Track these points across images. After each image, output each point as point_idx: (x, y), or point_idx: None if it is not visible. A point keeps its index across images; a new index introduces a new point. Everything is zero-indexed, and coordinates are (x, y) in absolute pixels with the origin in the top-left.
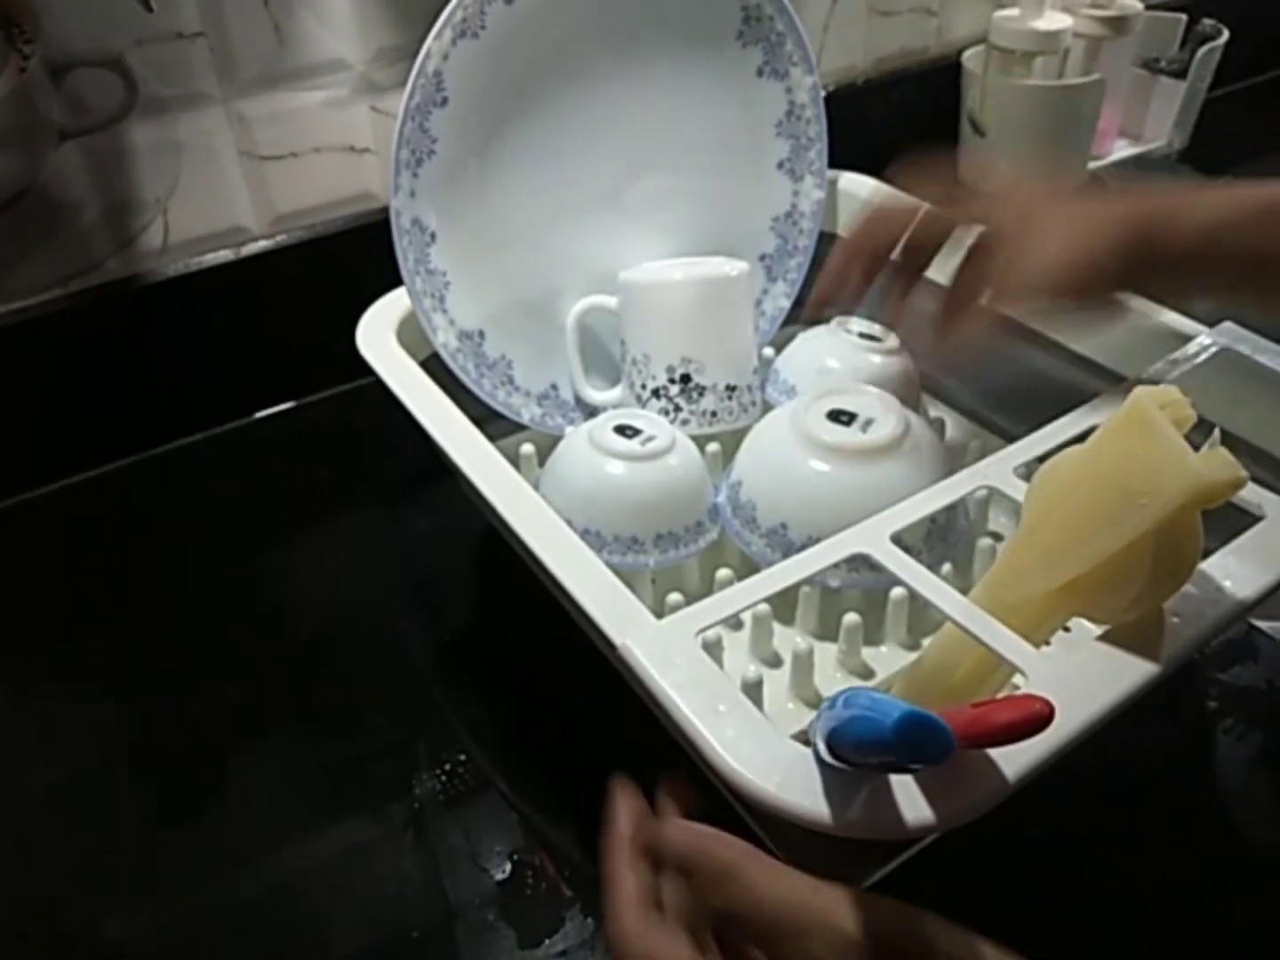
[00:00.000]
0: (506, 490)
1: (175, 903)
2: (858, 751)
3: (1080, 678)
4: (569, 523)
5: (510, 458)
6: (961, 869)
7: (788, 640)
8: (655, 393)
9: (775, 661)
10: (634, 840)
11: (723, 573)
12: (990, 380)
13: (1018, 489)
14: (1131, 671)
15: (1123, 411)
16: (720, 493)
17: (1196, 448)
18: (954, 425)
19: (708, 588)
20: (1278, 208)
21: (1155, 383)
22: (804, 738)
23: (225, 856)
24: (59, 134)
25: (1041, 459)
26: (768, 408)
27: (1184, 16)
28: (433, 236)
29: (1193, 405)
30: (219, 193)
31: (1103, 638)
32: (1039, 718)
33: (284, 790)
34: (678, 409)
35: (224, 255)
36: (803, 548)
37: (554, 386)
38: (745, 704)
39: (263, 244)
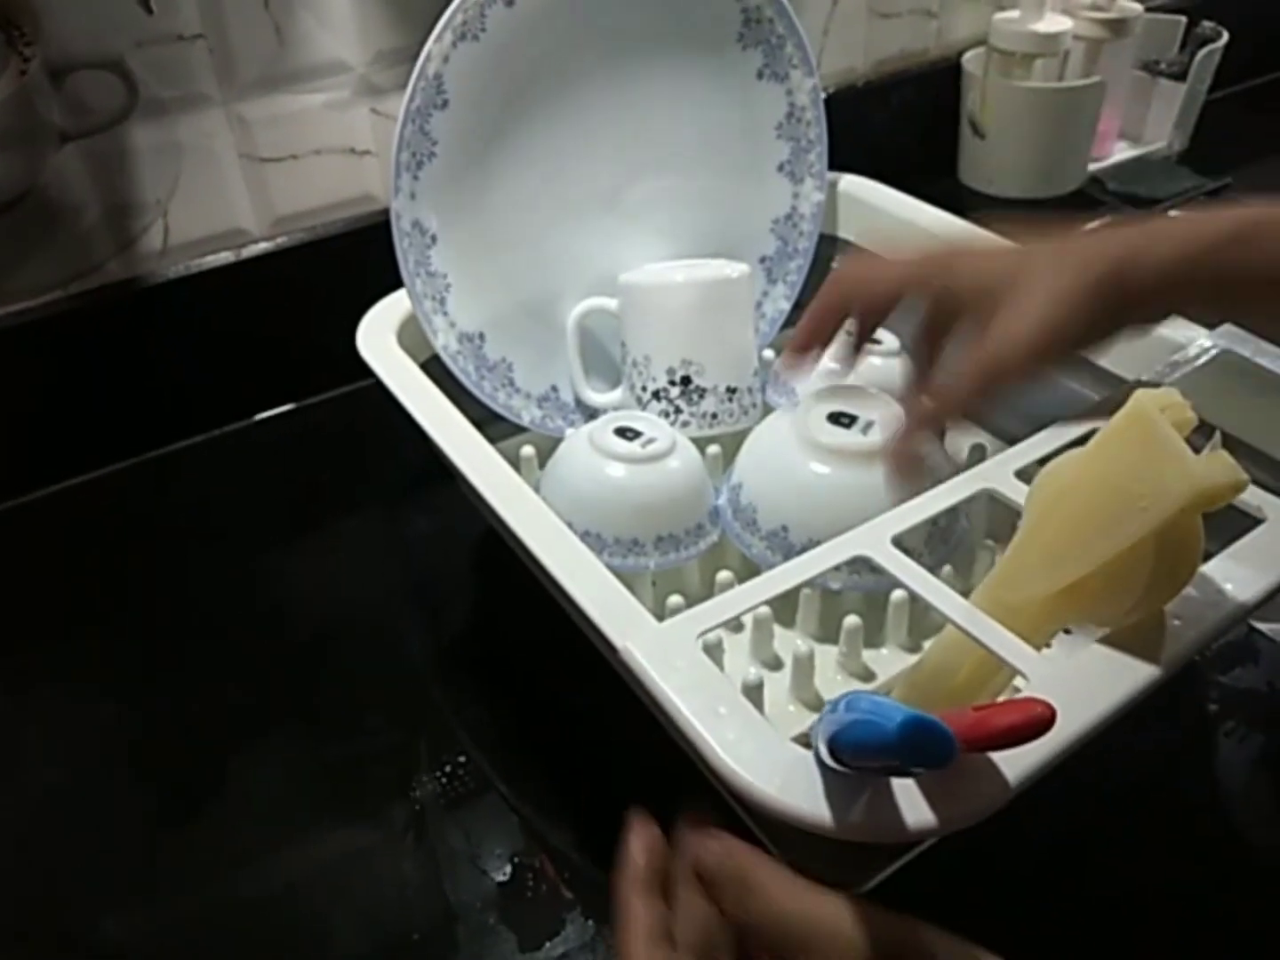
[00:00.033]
0: (507, 492)
1: (175, 903)
2: (860, 755)
3: (1081, 680)
4: (569, 525)
5: (510, 460)
6: (962, 871)
7: (788, 642)
8: (656, 395)
9: (776, 664)
10: (647, 873)
11: (723, 575)
12: None
13: (1018, 491)
14: (1132, 674)
15: (1123, 414)
16: (721, 495)
17: (1197, 450)
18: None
19: (708, 590)
20: (1240, 233)
21: (1155, 385)
22: (805, 740)
23: (225, 856)
24: (59, 136)
25: (1042, 462)
26: (768, 410)
27: (1184, 19)
28: (433, 239)
29: (1193, 408)
30: (219, 194)
31: (1103, 640)
32: (1041, 721)
33: (284, 791)
34: (678, 411)
35: (224, 257)
36: (803, 550)
37: (554, 388)
38: (746, 706)
39: (263, 246)
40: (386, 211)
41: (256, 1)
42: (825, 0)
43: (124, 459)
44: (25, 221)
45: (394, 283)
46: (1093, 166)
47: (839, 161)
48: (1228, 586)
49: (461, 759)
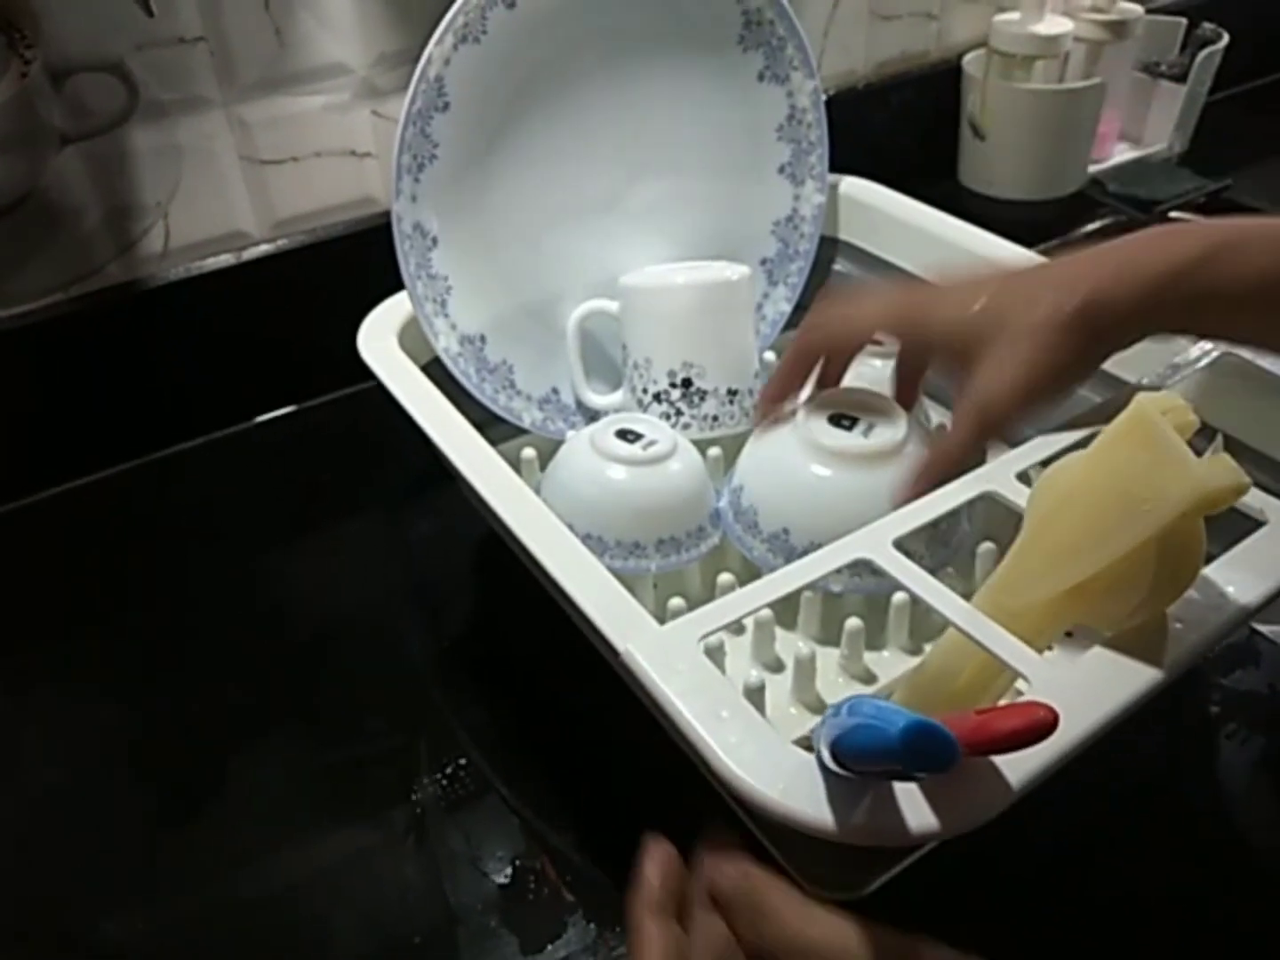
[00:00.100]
0: (508, 494)
1: (175, 903)
2: (862, 760)
3: (1084, 684)
4: (570, 527)
5: (511, 462)
6: (965, 875)
7: (790, 645)
8: (656, 397)
9: (777, 666)
10: (662, 895)
11: (724, 578)
12: None
13: (1020, 494)
14: (1135, 677)
15: (1125, 417)
16: (722, 497)
17: (1199, 453)
18: None
19: (709, 593)
20: (1207, 255)
21: (1157, 388)
22: (806, 743)
23: (225, 857)
24: (60, 139)
25: (1044, 464)
26: None
27: (1184, 20)
28: (434, 241)
29: (1195, 411)
30: (220, 197)
31: (1106, 644)
32: (1044, 725)
33: (284, 791)
34: (679, 413)
35: (225, 259)
36: (804, 553)
37: (555, 391)
38: (748, 709)
39: (264, 248)
40: (387, 214)
41: (257, 3)
42: (826, 2)
43: (125, 461)
44: (26, 224)
45: (395, 285)
46: (1093, 168)
47: (839, 163)
48: (1229, 589)
49: (462, 761)
